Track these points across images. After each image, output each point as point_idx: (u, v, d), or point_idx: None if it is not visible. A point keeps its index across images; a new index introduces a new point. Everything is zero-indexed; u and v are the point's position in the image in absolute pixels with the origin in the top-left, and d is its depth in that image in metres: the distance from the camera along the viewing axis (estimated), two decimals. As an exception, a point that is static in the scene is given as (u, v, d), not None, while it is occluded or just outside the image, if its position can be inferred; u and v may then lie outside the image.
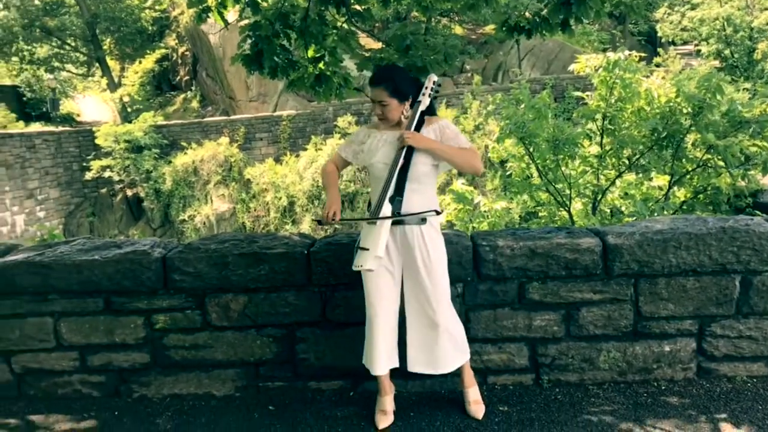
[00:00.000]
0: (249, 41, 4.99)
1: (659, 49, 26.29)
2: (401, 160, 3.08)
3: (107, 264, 3.56)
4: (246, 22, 4.98)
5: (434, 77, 3.25)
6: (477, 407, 3.35)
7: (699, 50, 27.58)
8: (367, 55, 5.56)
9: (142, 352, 3.65)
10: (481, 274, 3.54)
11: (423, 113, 3.21)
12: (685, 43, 30.64)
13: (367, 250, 3.04)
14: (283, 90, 23.33)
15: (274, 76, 5.16)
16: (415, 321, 3.23)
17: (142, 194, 24.02)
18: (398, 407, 3.41)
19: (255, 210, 22.87)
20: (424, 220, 3.15)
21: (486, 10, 5.06)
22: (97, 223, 24.23)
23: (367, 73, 5.67)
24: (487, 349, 3.60)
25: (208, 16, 4.95)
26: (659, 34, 29.92)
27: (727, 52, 25.68)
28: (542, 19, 4.72)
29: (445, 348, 3.22)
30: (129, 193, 24.38)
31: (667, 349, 3.59)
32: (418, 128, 3.17)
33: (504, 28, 4.99)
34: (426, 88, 3.23)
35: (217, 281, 3.58)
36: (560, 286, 3.54)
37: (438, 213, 3.21)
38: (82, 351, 3.65)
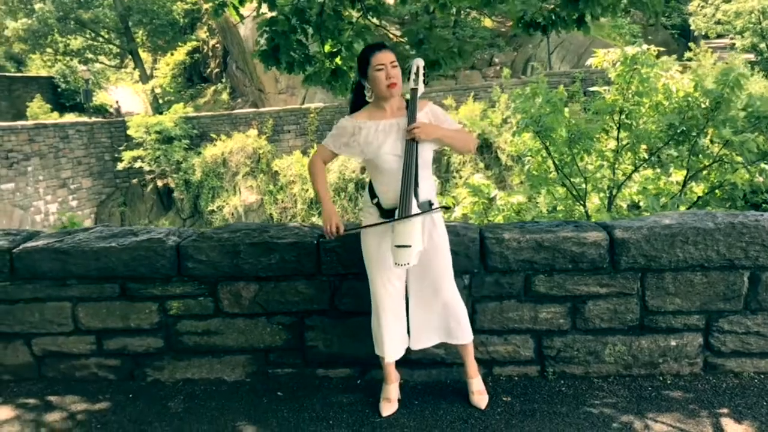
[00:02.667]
0: (265, 36, 5.07)
1: (690, 43, 25.86)
2: (415, 152, 3.10)
3: (123, 251, 3.67)
4: (263, 17, 5.05)
5: (421, 62, 3.28)
6: (480, 397, 3.39)
7: (734, 44, 27.11)
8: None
9: (156, 337, 3.76)
10: (487, 266, 3.58)
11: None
12: (719, 36, 30.11)
13: (409, 246, 3.06)
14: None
15: (291, 70, 5.22)
16: (421, 301, 3.30)
17: (172, 185, 24.39)
18: (403, 396, 3.47)
19: (282, 202, 23.09)
20: (431, 205, 3.21)
21: (501, 6, 5.07)
22: (128, 212, 24.65)
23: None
24: (492, 341, 3.64)
25: (224, 11, 5.04)
26: (692, 27, 29.44)
27: (762, 45, 25.23)
28: (557, 15, 4.72)
29: (455, 320, 3.29)
30: (159, 183, 24.75)
31: (673, 343, 3.60)
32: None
33: (520, 24, 5.01)
34: (416, 74, 3.25)
35: (229, 269, 3.67)
36: (566, 279, 3.57)
37: (448, 208, 3.28)
38: (99, 335, 3.77)
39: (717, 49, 26.56)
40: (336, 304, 3.69)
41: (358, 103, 3.36)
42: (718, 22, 27.84)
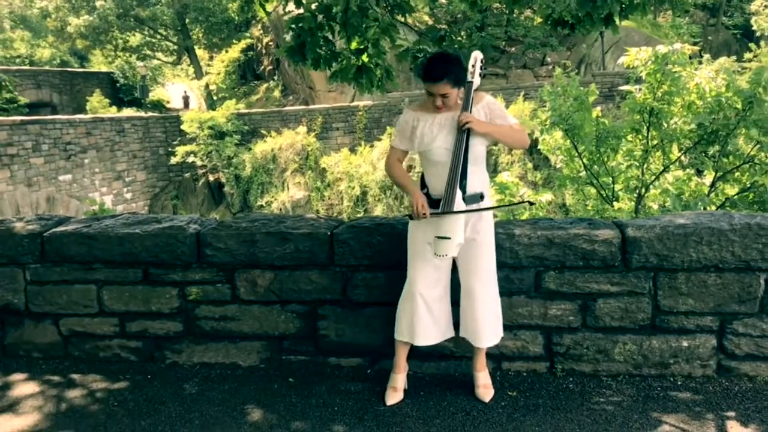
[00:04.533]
0: (291, 33, 5.18)
1: (751, 44, 25.09)
2: (465, 146, 3.15)
3: (146, 237, 3.81)
4: (291, 14, 5.16)
5: (480, 55, 3.31)
6: (485, 391, 3.42)
7: (798, 45, 26.18)
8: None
9: (175, 321, 3.90)
10: (498, 261, 3.59)
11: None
12: (783, 37, 29.13)
13: (449, 238, 3.14)
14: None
15: (317, 67, 5.33)
16: (465, 294, 3.35)
17: (223, 179, 24.85)
18: (411, 387, 3.52)
19: (329, 198, 23.31)
20: (482, 198, 3.27)
21: (531, 4, 5.07)
22: (180, 206, 25.22)
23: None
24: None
25: (250, 9, 5.15)
26: (754, 27, 28.57)
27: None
28: (585, 14, 4.69)
29: (485, 321, 3.32)
30: (211, 178, 25.23)
31: (685, 344, 3.55)
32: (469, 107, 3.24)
33: (549, 22, 5.01)
34: (473, 67, 3.28)
35: (245, 257, 3.78)
36: (577, 277, 3.56)
37: (532, 203, 3.32)
38: (122, 318, 3.93)
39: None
40: (348, 295, 3.76)
41: None
42: (781, 23, 26.96)
